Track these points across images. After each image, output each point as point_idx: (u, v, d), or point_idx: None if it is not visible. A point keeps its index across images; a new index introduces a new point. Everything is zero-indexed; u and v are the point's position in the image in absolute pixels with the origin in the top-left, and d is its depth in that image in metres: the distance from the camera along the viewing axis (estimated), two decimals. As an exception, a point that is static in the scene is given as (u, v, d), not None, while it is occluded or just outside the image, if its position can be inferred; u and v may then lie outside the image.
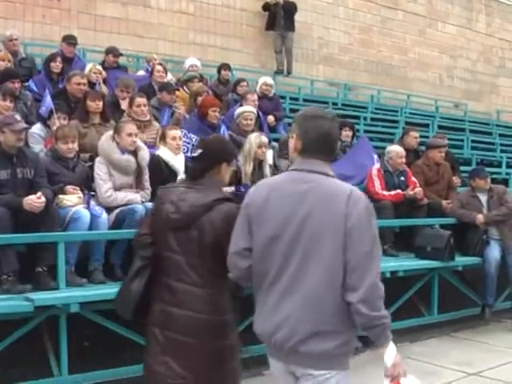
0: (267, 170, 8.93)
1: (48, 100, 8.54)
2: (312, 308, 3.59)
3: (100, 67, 11.41)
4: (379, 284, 3.58)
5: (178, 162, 8.17)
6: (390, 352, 3.62)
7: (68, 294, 6.67)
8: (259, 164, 8.89)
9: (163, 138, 8.31)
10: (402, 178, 10.27)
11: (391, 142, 13.55)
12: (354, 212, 3.55)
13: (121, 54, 13.01)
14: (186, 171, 4.69)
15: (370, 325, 3.55)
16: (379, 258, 3.64)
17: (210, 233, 4.25)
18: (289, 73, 18.93)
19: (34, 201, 6.70)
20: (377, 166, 10.40)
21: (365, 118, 17.72)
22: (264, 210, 3.74)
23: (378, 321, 3.55)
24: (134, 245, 4.84)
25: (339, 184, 3.72)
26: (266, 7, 18.94)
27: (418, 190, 10.08)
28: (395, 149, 10.47)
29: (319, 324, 3.58)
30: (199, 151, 4.60)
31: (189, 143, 9.07)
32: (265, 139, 8.97)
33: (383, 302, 3.61)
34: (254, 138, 8.79)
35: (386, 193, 9.94)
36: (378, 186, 10.01)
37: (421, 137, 12.55)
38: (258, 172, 8.85)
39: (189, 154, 8.85)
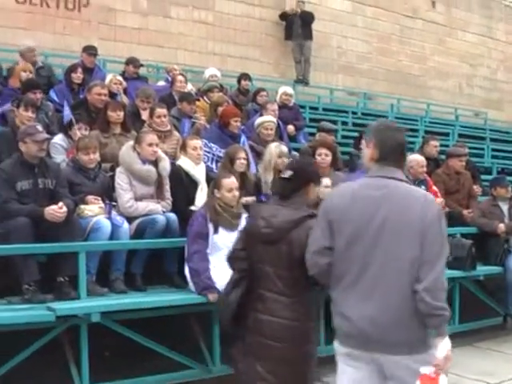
0: (287, 180, 8.89)
1: (67, 111, 8.56)
2: (395, 303, 3.93)
3: (120, 78, 11.47)
4: (443, 279, 3.94)
5: (198, 172, 8.16)
6: (445, 345, 3.92)
7: (89, 304, 6.68)
8: (279, 173, 8.85)
9: (184, 147, 8.30)
10: (423, 187, 10.18)
11: (411, 151, 13.47)
12: (428, 214, 3.93)
13: (141, 65, 13.06)
14: (276, 190, 5.36)
15: (431, 313, 3.85)
16: (446, 257, 4.03)
17: (298, 247, 4.68)
18: (306, 82, 18.94)
19: (56, 211, 6.73)
20: (397, 175, 10.34)
21: (385, 127, 17.65)
22: (345, 214, 4.08)
23: (439, 311, 3.86)
24: (228, 259, 5.36)
25: (414, 189, 4.23)
26: (283, 16, 19.00)
27: (440, 200, 10.04)
28: (416, 158, 10.42)
29: (402, 317, 3.93)
30: (290, 173, 5.06)
31: (209, 153, 9.05)
32: (285, 149, 8.94)
33: (445, 297, 3.93)
34: (274, 148, 8.77)
35: (406, 202, 9.88)
36: (398, 195, 9.94)
37: (441, 146, 12.52)
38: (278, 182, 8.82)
39: (209, 164, 8.88)
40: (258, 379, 4.85)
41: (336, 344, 4.23)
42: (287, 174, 5.08)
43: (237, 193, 7.39)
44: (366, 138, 4.34)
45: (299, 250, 4.64)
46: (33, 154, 7.04)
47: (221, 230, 7.26)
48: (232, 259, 5.29)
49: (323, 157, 9.12)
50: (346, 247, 4.05)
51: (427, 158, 10.88)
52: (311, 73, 19.18)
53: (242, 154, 8.40)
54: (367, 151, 4.23)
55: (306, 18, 18.70)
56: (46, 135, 7.32)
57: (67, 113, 8.55)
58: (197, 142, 8.33)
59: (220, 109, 10.36)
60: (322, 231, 4.18)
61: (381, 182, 4.07)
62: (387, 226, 3.95)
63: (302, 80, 18.91)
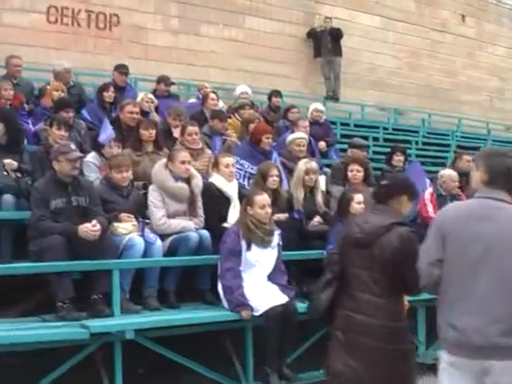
0: (319, 196, 8.87)
1: (110, 130, 8.59)
2: (501, 315, 4.20)
3: (152, 96, 11.51)
4: None
5: (231, 189, 8.19)
6: None
7: (123, 321, 6.72)
8: (311, 190, 8.85)
9: (216, 165, 8.35)
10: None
11: (443, 166, 13.42)
12: None
13: (172, 83, 13.09)
14: (373, 196, 5.62)
15: None
16: None
17: (389, 251, 5.03)
18: (336, 98, 18.91)
19: (90, 229, 6.79)
20: (430, 190, 10.31)
21: (416, 143, 17.67)
22: (455, 229, 4.41)
23: None
24: (324, 262, 6.03)
25: None
26: (310, 34, 18.99)
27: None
28: (448, 172, 10.38)
29: (509, 327, 4.18)
30: (387, 181, 5.63)
31: (241, 170, 9.08)
32: (314, 165, 8.91)
33: None
34: (303, 165, 8.79)
35: (439, 217, 9.80)
36: (430, 210, 9.89)
37: (473, 160, 12.40)
38: (310, 198, 8.83)
39: (241, 181, 8.90)
40: (350, 374, 5.08)
41: (441, 352, 4.48)
42: (384, 181, 5.66)
43: (269, 210, 7.43)
44: (475, 162, 4.73)
45: (390, 254, 5.01)
46: (66, 172, 7.12)
47: (253, 246, 7.30)
48: (327, 262, 5.69)
49: (355, 173, 9.14)
50: (454, 261, 4.37)
51: (459, 173, 10.81)
52: (341, 89, 19.15)
53: (275, 171, 8.43)
54: (477, 174, 4.58)
55: (335, 34, 18.68)
56: (79, 153, 7.41)
57: (110, 132, 8.59)
58: (229, 160, 8.38)
59: (251, 126, 10.40)
60: (434, 244, 4.48)
61: (490, 204, 4.40)
62: (494, 245, 4.24)
63: (332, 96, 18.87)
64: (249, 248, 7.29)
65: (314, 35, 19.01)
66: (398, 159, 11.54)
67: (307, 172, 8.75)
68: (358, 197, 8.18)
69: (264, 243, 7.37)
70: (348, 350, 5.12)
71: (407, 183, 5.63)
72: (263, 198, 7.43)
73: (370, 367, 5.02)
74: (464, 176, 11.27)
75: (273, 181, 8.36)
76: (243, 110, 11.79)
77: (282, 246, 7.61)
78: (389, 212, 5.26)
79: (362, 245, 5.16)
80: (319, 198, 8.86)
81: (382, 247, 5.06)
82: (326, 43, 18.66)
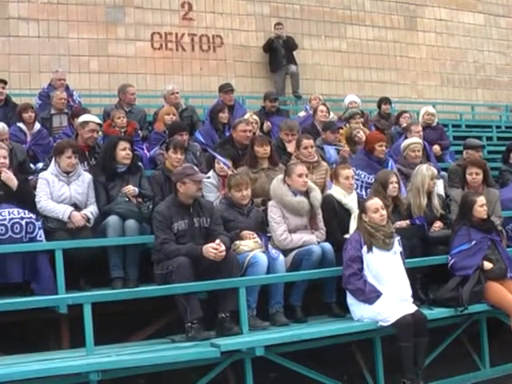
0: (436, 201, 8.72)
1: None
2: None
3: (256, 117, 11.39)
4: None
5: (350, 201, 8.13)
6: None
7: (253, 338, 6.74)
8: (428, 195, 8.74)
9: (336, 177, 8.31)
10: None
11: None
12: None
13: (276, 99, 13.08)
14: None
15: None
16: None
17: None
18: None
19: (214, 248, 6.85)
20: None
21: (532, 139, 17.20)
22: None
23: None
24: None
25: None
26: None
27: None
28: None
29: None
30: None
31: (358, 180, 9.02)
32: (435, 170, 8.84)
33: None
34: (426, 170, 8.64)
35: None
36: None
37: None
38: (428, 203, 8.69)
39: (359, 191, 8.84)
40: None
41: None
42: None
43: (384, 212, 7.40)
44: None
45: None
46: (192, 194, 7.22)
47: (375, 249, 7.27)
48: None
49: (474, 176, 8.95)
50: None
51: None
52: (446, 89, 18.97)
53: (394, 178, 8.35)
54: None
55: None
56: (203, 175, 7.58)
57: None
58: (349, 172, 8.31)
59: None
60: None
61: None
62: None
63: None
64: (370, 250, 7.25)
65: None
66: (517, 157, 11.24)
67: (432, 177, 8.65)
68: (481, 199, 8.08)
69: (385, 246, 7.31)
70: None
71: None
72: (374, 202, 7.44)
73: None
74: None
75: (393, 188, 8.27)
76: (354, 120, 11.74)
77: (405, 254, 7.52)
78: None
79: None
80: (436, 202, 8.69)
81: None
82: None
